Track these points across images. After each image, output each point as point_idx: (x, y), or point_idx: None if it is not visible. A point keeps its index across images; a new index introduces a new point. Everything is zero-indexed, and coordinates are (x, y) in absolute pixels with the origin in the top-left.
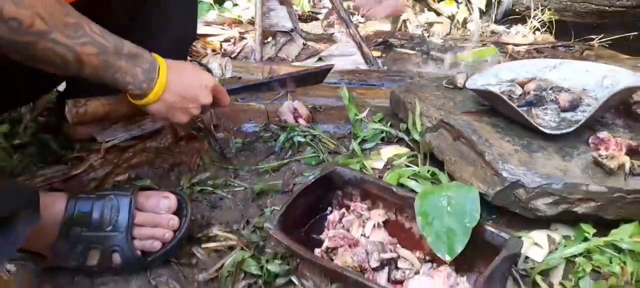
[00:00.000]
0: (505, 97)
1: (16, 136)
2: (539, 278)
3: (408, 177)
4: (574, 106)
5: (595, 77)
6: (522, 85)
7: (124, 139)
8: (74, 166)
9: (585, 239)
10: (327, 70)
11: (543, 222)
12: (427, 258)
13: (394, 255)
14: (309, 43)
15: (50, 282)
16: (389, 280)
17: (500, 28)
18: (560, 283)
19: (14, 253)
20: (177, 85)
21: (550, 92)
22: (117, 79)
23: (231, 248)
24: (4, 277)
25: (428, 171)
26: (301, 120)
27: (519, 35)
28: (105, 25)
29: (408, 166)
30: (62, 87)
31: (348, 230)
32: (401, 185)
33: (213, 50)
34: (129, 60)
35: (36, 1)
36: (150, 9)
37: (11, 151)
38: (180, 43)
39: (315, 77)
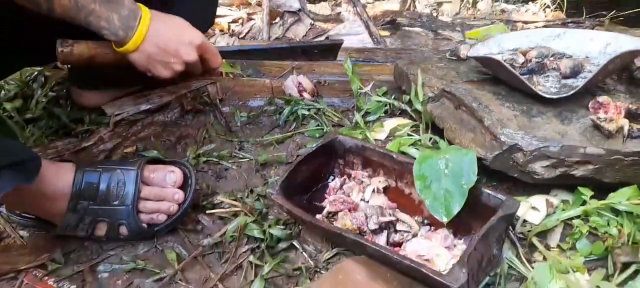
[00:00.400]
0: (506, 64)
1: (28, 110)
2: (535, 240)
3: (409, 146)
4: (575, 72)
5: (598, 45)
6: (524, 53)
7: (132, 112)
8: (84, 138)
9: (584, 203)
10: (337, 45)
11: (543, 188)
12: (426, 221)
13: (393, 218)
14: (317, 23)
15: (61, 247)
16: (387, 243)
17: (511, 7)
18: (557, 245)
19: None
20: (157, 37)
21: (551, 58)
22: (90, 22)
23: (235, 215)
24: (18, 242)
25: (429, 139)
26: (305, 94)
27: (529, 12)
28: None
29: (410, 135)
30: None
31: (348, 196)
32: (402, 153)
33: (221, 31)
34: (104, 5)
35: None
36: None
37: (23, 124)
38: (199, 27)
39: (323, 52)
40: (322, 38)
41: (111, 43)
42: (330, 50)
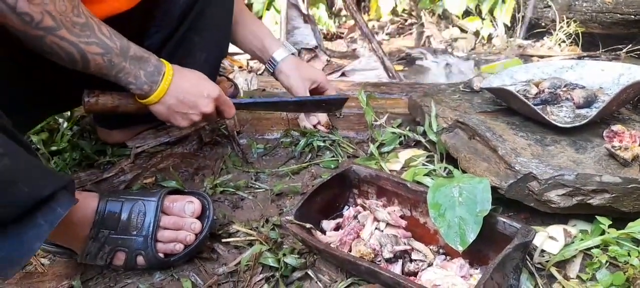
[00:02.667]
0: (519, 95)
1: (54, 143)
2: (554, 271)
3: (423, 175)
4: (589, 102)
5: (611, 76)
6: (537, 84)
7: (152, 145)
8: (106, 170)
9: (602, 232)
10: (344, 100)
11: (560, 218)
12: (441, 251)
13: (408, 247)
14: (333, 59)
15: (80, 275)
16: (402, 272)
17: (526, 42)
18: (577, 276)
19: (52, 229)
20: (178, 91)
21: (565, 89)
22: (119, 78)
23: (251, 244)
24: (38, 269)
25: (443, 168)
26: (320, 127)
27: (544, 47)
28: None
29: (425, 165)
30: None
31: (363, 226)
32: (417, 183)
33: (239, 67)
34: (134, 62)
35: (49, 1)
36: (189, 27)
37: (49, 156)
38: (214, 60)
39: (329, 106)
40: (338, 73)
41: (132, 93)
42: (337, 104)
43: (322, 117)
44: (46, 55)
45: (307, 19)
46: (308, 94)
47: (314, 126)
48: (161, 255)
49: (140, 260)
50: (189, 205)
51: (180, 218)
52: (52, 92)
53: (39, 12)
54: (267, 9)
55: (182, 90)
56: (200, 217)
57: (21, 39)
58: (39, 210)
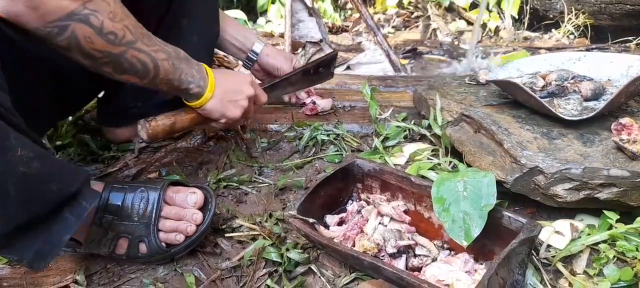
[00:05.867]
0: (525, 87)
1: (59, 138)
2: (560, 266)
3: (428, 169)
4: (597, 95)
5: (620, 68)
6: (544, 77)
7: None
8: (110, 164)
9: (610, 227)
10: (332, 57)
11: (567, 212)
12: (446, 246)
13: (411, 242)
14: (339, 53)
15: (84, 268)
16: (406, 267)
17: (533, 34)
18: (584, 271)
19: (79, 221)
20: (221, 82)
21: (572, 81)
22: (181, 80)
23: (254, 239)
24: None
25: (448, 162)
26: (320, 101)
27: (552, 39)
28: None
29: (429, 160)
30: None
31: (366, 221)
32: (421, 177)
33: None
34: (186, 63)
35: (124, 16)
36: (176, 10)
37: (54, 151)
38: (207, 41)
39: (322, 71)
40: (343, 67)
41: (183, 108)
42: (329, 62)
43: (326, 103)
44: (121, 71)
45: (312, 12)
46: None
47: (314, 110)
48: (163, 244)
49: (142, 247)
50: (191, 196)
51: (182, 209)
52: (61, 99)
53: (121, 28)
54: (272, 2)
55: (224, 80)
56: (203, 210)
57: (98, 61)
58: (66, 205)
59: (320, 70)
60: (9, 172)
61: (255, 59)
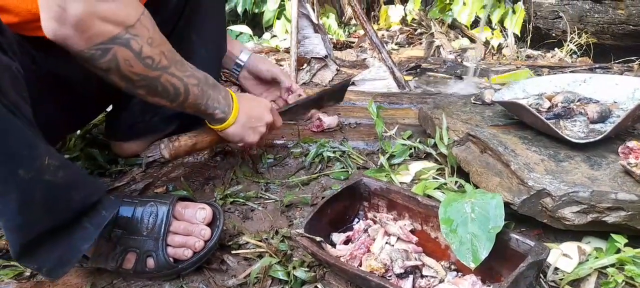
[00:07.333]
0: (531, 109)
1: (67, 151)
2: None
3: (434, 189)
4: (603, 117)
5: (625, 90)
6: (550, 98)
7: None
8: (117, 179)
9: (618, 251)
10: (345, 85)
11: (574, 235)
12: (453, 267)
13: (419, 263)
14: (343, 69)
15: (90, 284)
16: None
17: (536, 52)
18: None
19: (98, 231)
20: (245, 108)
21: (578, 103)
22: (208, 105)
23: (260, 256)
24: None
25: (455, 182)
26: (325, 118)
27: (555, 58)
28: None
29: (435, 179)
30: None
31: (373, 240)
32: (428, 197)
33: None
34: (214, 89)
35: (161, 42)
36: (184, 26)
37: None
38: (215, 57)
39: (334, 95)
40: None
41: (204, 127)
42: (338, 91)
43: (332, 120)
44: (154, 95)
45: (318, 28)
46: (292, 75)
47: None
48: (171, 259)
49: (150, 262)
50: (200, 212)
51: (191, 224)
52: (71, 113)
53: (158, 53)
54: (278, 18)
55: (248, 106)
56: (211, 226)
57: (124, 87)
58: (85, 214)
59: (331, 96)
60: (37, 179)
61: (242, 65)
